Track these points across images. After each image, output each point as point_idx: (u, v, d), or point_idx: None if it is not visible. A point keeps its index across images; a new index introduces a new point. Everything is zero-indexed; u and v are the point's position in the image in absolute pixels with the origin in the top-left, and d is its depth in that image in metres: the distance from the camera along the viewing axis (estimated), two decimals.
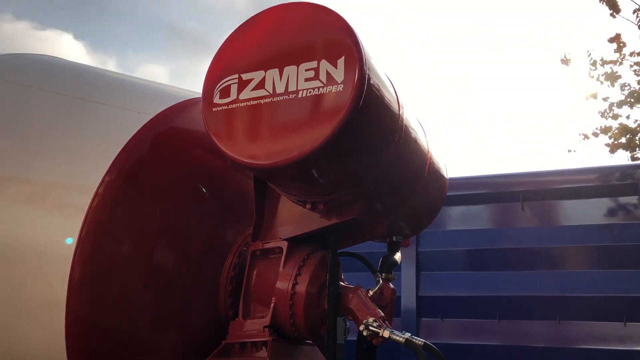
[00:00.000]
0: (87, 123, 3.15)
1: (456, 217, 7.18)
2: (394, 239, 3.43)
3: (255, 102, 2.62)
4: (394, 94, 2.86)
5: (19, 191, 3.12)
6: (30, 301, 2.78)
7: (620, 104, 9.26)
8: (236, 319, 2.94)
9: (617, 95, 10.73)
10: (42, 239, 2.89)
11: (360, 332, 2.87)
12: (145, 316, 2.91)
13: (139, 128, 2.90)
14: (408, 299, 6.93)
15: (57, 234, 2.84)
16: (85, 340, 2.70)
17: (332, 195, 2.84)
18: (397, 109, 2.84)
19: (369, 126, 2.66)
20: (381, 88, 2.68)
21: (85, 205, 2.71)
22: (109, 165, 2.79)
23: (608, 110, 9.38)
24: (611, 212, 6.58)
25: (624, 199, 6.52)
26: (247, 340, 2.84)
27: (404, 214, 3.32)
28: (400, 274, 7.00)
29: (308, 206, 2.88)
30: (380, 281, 3.12)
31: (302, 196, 2.89)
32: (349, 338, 3.71)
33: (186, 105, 3.16)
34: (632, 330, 5.97)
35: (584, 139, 9.54)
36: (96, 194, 2.74)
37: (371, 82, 2.54)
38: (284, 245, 2.96)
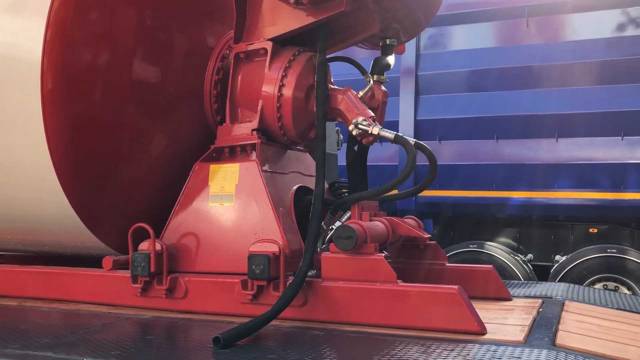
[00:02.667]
0: None
1: (458, 37, 6.89)
2: (388, 42, 3.22)
3: None
4: None
5: None
6: (10, 110, 2.68)
7: None
8: (224, 124, 2.87)
9: None
10: (9, 47, 2.71)
11: (350, 134, 2.81)
12: (130, 127, 2.84)
13: None
14: (406, 123, 6.90)
15: (23, 39, 2.66)
16: (68, 155, 2.66)
17: None
18: None
19: None
20: None
21: (40, 5, 2.51)
22: None
23: None
24: (620, 26, 6.27)
25: (635, 11, 6.17)
26: (235, 144, 2.80)
27: (397, 10, 3.07)
28: (399, 99, 6.91)
29: (292, 0, 2.65)
30: (371, 82, 2.99)
31: None
32: None
33: None
34: (629, 143, 5.99)
35: None
36: None
37: None
38: (269, 45, 2.80)
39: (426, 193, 6.97)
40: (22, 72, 2.60)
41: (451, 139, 6.76)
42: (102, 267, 2.81)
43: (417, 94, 6.95)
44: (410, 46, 6.91)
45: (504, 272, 6.22)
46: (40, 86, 2.52)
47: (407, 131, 6.84)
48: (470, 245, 6.62)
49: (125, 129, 2.82)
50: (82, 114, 2.65)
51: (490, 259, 6.38)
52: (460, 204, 6.74)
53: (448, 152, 6.76)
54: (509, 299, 2.91)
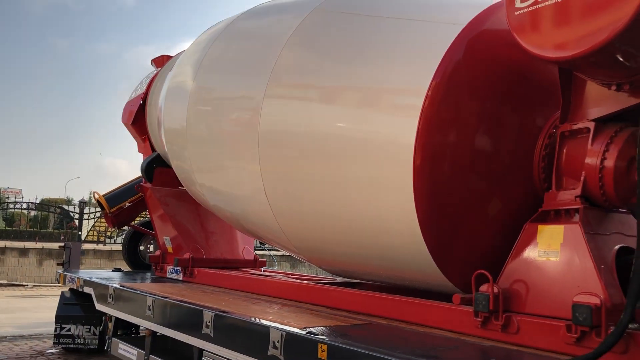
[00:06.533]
0: (407, 37, 3.86)
1: None
2: None
3: (552, 2, 2.88)
4: None
5: (358, 97, 4.07)
6: (385, 181, 3.74)
7: None
8: (550, 191, 3.44)
9: None
10: (386, 134, 3.77)
11: None
12: (472, 191, 3.63)
13: (454, 37, 3.48)
14: None
15: (398, 129, 3.68)
16: (429, 214, 3.55)
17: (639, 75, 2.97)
18: None
19: None
20: None
21: (414, 104, 3.47)
22: (434, 72, 3.47)
23: None
24: None
25: None
26: (560, 208, 3.33)
27: None
28: None
29: (613, 87, 3.06)
30: None
31: (607, 79, 3.10)
32: None
33: (492, 11, 3.60)
34: None
35: None
36: (426, 97, 3.46)
37: None
38: (591, 125, 3.28)
39: None
40: (399, 153, 3.58)
41: None
42: (447, 301, 3.63)
43: None
44: None
45: None
46: (413, 163, 3.48)
47: None
48: None
49: (469, 193, 3.61)
50: (439, 182, 3.52)
51: None
52: None
53: None
54: None
